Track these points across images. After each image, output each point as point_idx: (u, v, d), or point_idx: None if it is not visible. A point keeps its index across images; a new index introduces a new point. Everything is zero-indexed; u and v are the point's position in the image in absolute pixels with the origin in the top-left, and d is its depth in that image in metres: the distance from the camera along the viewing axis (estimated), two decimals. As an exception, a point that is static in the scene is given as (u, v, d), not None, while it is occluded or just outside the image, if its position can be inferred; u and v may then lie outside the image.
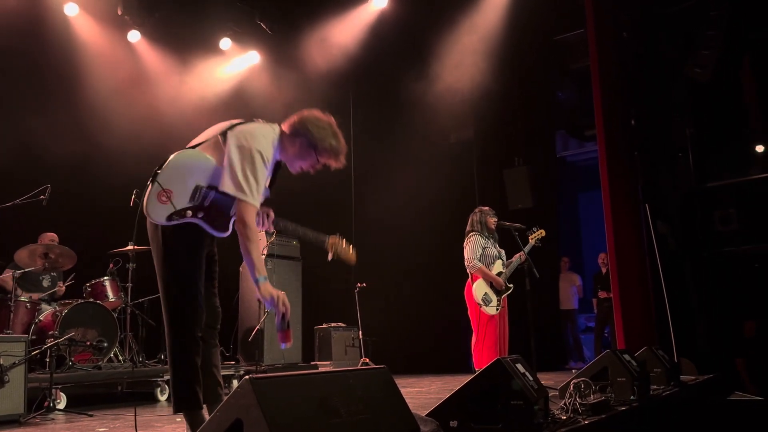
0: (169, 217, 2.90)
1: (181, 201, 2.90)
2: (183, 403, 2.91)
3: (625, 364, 3.98)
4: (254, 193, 2.85)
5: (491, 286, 5.49)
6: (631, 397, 3.86)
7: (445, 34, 8.55)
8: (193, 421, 2.89)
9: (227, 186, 2.84)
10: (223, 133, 2.98)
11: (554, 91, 9.37)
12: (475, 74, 8.42)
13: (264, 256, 7.42)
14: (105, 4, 8.01)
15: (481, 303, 5.45)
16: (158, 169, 2.92)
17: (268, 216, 3.28)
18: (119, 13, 8.10)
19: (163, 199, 2.88)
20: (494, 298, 5.47)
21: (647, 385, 4.19)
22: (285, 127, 3.10)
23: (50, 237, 6.32)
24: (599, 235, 7.70)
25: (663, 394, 4.35)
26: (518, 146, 9.04)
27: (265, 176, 2.93)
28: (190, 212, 2.91)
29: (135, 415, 3.60)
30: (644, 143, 6.82)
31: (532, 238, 5.61)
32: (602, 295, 8.80)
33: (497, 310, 5.45)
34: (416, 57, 8.91)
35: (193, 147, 3.02)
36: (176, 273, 2.96)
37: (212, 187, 2.92)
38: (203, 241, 3.02)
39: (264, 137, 2.97)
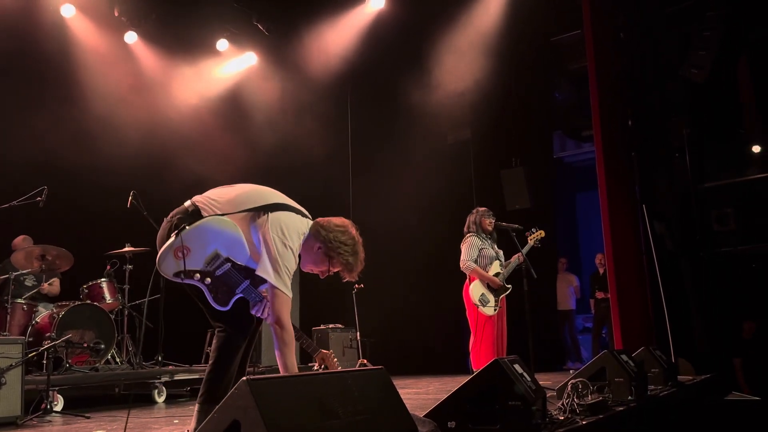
0: (177, 274, 2.85)
1: (196, 263, 2.86)
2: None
3: (623, 364, 3.98)
4: (289, 287, 2.84)
5: (488, 286, 5.48)
6: (629, 398, 3.86)
7: (443, 34, 8.55)
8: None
9: (267, 273, 2.80)
10: (260, 209, 2.95)
11: (551, 92, 9.38)
12: (473, 75, 8.43)
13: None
14: (101, 6, 8.00)
15: (478, 304, 5.45)
16: (187, 225, 2.85)
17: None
18: (116, 14, 8.08)
19: (179, 255, 2.82)
20: (492, 298, 5.46)
21: (645, 386, 4.20)
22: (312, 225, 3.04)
23: (21, 239, 6.32)
24: (597, 236, 7.71)
25: (661, 395, 4.35)
26: (516, 147, 9.04)
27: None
28: (198, 275, 2.86)
29: (127, 419, 3.59)
30: (641, 144, 6.83)
31: (531, 239, 5.61)
32: (600, 295, 8.80)
33: (495, 310, 5.44)
34: (414, 58, 8.91)
35: (224, 214, 2.95)
36: None
37: (229, 260, 2.90)
38: None
39: (297, 236, 2.94)
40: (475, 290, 5.49)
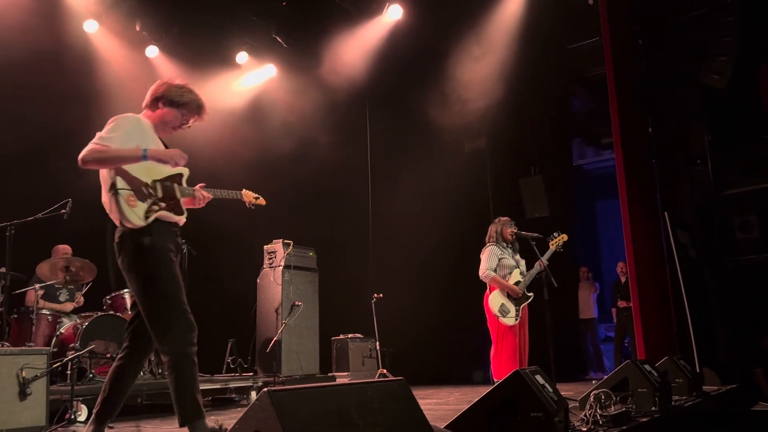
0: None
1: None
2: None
3: (646, 374, 3.93)
4: (103, 139, 3.18)
5: (509, 296, 5.44)
6: (653, 408, 3.81)
7: (459, 44, 8.57)
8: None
9: None
10: None
11: (570, 100, 9.34)
12: (489, 84, 8.44)
13: (281, 268, 7.46)
14: (124, 20, 8.15)
15: (498, 314, 5.40)
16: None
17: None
18: (138, 29, 8.24)
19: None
20: (512, 308, 5.41)
21: (669, 396, 4.14)
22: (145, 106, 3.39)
23: (63, 249, 6.40)
24: (617, 244, 7.64)
25: (685, 405, 4.29)
26: (534, 155, 9.01)
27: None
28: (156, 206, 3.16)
29: None
30: (662, 151, 6.76)
31: (552, 244, 5.54)
32: (621, 304, 8.71)
33: (516, 320, 5.39)
34: (430, 67, 8.95)
35: None
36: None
37: None
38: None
39: (122, 119, 3.27)
40: (495, 300, 5.44)
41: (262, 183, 8.93)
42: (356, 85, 9.20)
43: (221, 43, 8.91)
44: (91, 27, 8.04)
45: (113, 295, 6.34)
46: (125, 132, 3.16)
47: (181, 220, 3.35)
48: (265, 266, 7.70)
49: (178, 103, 3.32)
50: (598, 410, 3.25)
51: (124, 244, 3.21)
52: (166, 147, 3.41)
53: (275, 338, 7.09)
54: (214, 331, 7.89)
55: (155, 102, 3.33)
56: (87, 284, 6.49)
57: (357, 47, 8.93)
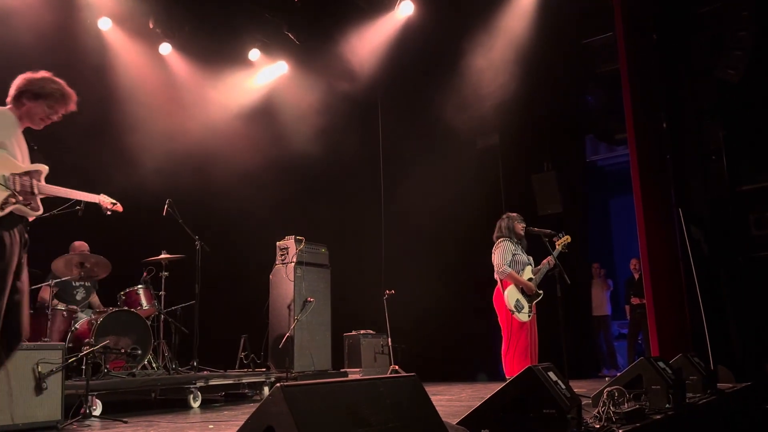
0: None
1: None
2: None
3: (660, 371, 3.91)
4: None
5: (523, 292, 5.42)
6: (667, 405, 3.79)
7: (472, 39, 8.54)
8: None
9: None
10: None
11: (583, 95, 9.28)
12: (502, 79, 8.39)
13: (293, 264, 7.49)
14: (137, 18, 8.20)
15: (514, 310, 5.35)
16: None
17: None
18: (151, 26, 8.29)
19: None
20: (526, 304, 5.38)
21: (683, 393, 4.11)
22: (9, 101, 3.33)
23: (80, 245, 6.46)
24: (631, 241, 7.58)
25: (699, 402, 4.26)
26: (546, 151, 8.96)
27: None
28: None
29: None
30: (676, 146, 6.70)
31: (558, 244, 5.53)
32: (635, 301, 8.66)
33: (529, 316, 5.36)
34: (443, 63, 8.92)
35: None
36: None
37: None
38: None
39: None
40: (511, 296, 5.38)
41: (275, 179, 9.03)
42: (368, 82, 9.20)
43: (234, 39, 8.94)
44: (105, 24, 8.10)
45: (127, 291, 6.40)
46: (4, 126, 3.18)
47: (36, 215, 3.35)
48: (277, 262, 7.73)
49: (41, 95, 3.29)
50: (612, 407, 3.23)
51: None
52: (30, 145, 3.44)
53: (288, 334, 7.12)
54: (227, 327, 7.95)
55: (19, 97, 3.30)
56: (104, 283, 6.55)
57: (369, 43, 8.92)
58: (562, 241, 5.54)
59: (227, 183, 8.71)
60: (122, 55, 8.36)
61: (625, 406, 3.37)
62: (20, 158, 3.28)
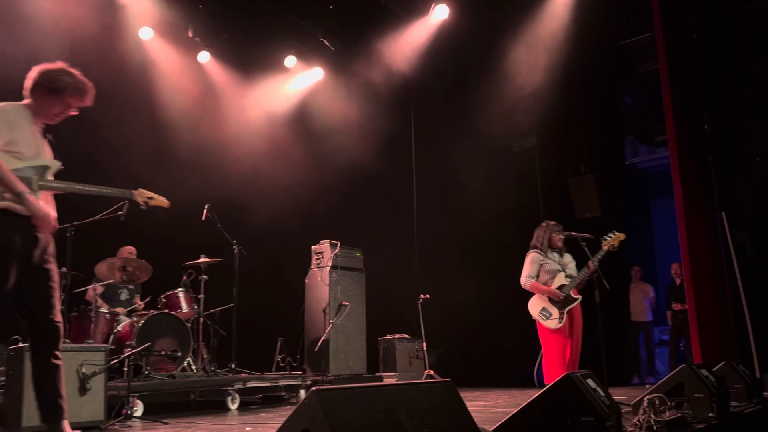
0: None
1: None
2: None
3: (703, 379, 3.81)
4: None
5: (550, 300, 5.34)
6: (710, 414, 3.69)
7: (507, 41, 8.48)
8: None
9: None
10: None
11: (622, 96, 9.12)
12: (538, 81, 8.31)
13: (328, 268, 7.53)
14: (177, 27, 8.39)
15: (539, 318, 5.32)
16: None
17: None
18: (190, 35, 8.48)
19: None
20: (555, 311, 5.28)
21: (727, 402, 4.00)
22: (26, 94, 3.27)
23: (128, 250, 6.62)
24: (672, 245, 7.42)
25: (744, 412, 4.14)
26: (585, 154, 8.82)
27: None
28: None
29: None
30: (719, 148, 6.54)
31: (605, 244, 5.35)
32: (677, 307, 8.46)
33: (559, 323, 5.25)
34: (477, 66, 8.88)
35: None
36: None
37: None
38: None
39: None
40: (534, 305, 5.36)
41: (310, 184, 9.11)
42: (402, 86, 9.22)
43: (270, 47, 9.08)
44: (146, 34, 8.30)
45: (168, 294, 6.53)
46: (6, 125, 3.08)
47: (29, 213, 3.13)
48: (312, 266, 7.79)
49: (54, 89, 3.20)
50: (652, 415, 3.16)
51: None
52: (47, 137, 3.36)
53: (323, 338, 7.16)
54: (263, 330, 8.05)
55: (34, 90, 3.22)
56: (146, 287, 6.71)
57: (403, 48, 8.94)
58: (611, 241, 5.34)
59: (264, 188, 8.83)
60: (163, 63, 8.56)
61: (667, 414, 3.29)
62: (29, 155, 3.16)
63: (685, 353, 8.28)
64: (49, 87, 3.20)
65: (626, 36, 8.18)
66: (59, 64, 3.28)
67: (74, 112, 3.32)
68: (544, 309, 5.32)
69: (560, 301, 5.30)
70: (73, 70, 3.28)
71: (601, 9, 7.82)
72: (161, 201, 3.77)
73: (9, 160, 3.06)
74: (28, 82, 3.24)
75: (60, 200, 3.46)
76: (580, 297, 5.36)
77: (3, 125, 3.08)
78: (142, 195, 3.68)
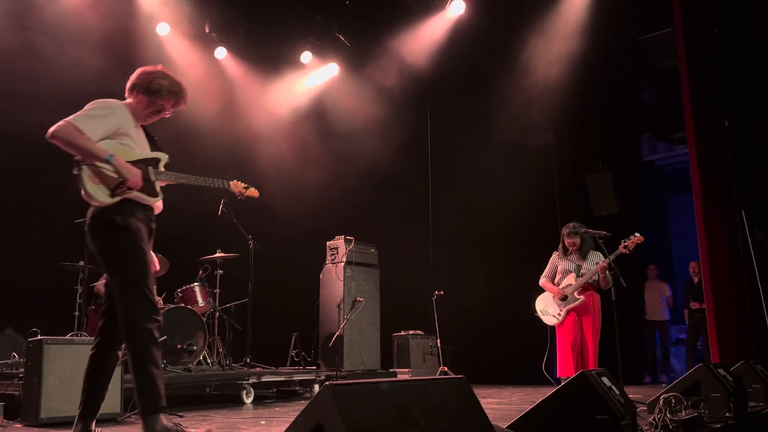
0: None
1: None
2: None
3: (720, 378, 3.77)
4: (77, 119, 3.08)
5: (554, 297, 5.68)
6: (727, 414, 3.65)
7: (524, 38, 8.42)
8: None
9: None
10: None
11: (639, 93, 9.03)
12: (555, 78, 8.25)
13: (343, 264, 7.55)
14: (194, 23, 8.43)
15: (539, 315, 5.72)
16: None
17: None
18: (207, 30, 8.52)
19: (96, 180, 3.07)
20: (554, 309, 5.60)
21: (745, 402, 3.96)
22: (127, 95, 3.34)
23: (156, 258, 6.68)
24: (690, 243, 7.34)
25: (763, 412, 4.10)
26: (602, 151, 8.76)
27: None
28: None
29: None
30: (738, 145, 6.45)
31: (623, 246, 5.33)
32: (694, 305, 8.37)
33: (557, 320, 5.57)
34: (494, 62, 8.83)
35: None
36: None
37: None
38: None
39: (102, 103, 3.22)
40: (538, 302, 5.78)
41: (326, 180, 9.12)
42: (418, 82, 9.19)
43: (286, 42, 9.09)
44: (163, 30, 8.35)
45: (184, 288, 6.58)
46: (109, 121, 3.15)
47: (154, 202, 3.29)
48: (327, 262, 7.81)
49: (148, 91, 3.26)
50: (668, 414, 3.14)
51: (94, 223, 3.14)
52: (151, 136, 3.41)
53: (337, 333, 7.18)
54: (278, 324, 8.08)
55: (132, 90, 3.30)
56: (163, 281, 6.76)
57: (419, 43, 8.91)
58: (629, 243, 5.31)
59: (279, 183, 8.85)
60: (180, 59, 8.60)
61: (683, 413, 3.26)
62: (138, 150, 3.25)
63: (703, 352, 8.20)
64: (145, 88, 3.27)
65: (644, 32, 8.09)
66: (158, 67, 3.36)
67: (167, 115, 3.39)
68: (545, 306, 5.70)
69: (562, 300, 5.58)
70: (171, 74, 3.36)
71: (618, 4, 7.73)
72: (253, 192, 3.83)
73: (123, 151, 3.15)
74: (129, 82, 3.32)
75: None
76: (582, 298, 5.47)
77: (113, 117, 3.17)
78: (237, 186, 3.74)
